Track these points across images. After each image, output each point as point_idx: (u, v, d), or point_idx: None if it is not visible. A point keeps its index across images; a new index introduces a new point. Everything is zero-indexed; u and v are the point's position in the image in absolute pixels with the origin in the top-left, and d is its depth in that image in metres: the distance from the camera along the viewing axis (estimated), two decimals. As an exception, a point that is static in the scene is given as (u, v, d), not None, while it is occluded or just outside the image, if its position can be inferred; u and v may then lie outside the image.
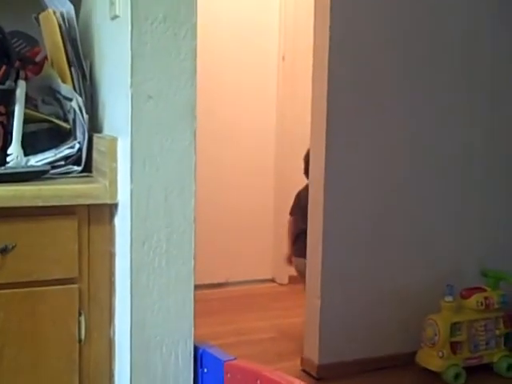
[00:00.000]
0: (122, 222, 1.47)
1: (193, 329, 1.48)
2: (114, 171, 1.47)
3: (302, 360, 3.26)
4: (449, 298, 3.12)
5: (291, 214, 3.76)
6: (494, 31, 3.40)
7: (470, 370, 3.11)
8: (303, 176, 3.60)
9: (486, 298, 3.16)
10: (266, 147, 4.62)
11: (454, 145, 3.39)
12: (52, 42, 1.68)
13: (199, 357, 1.47)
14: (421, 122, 3.29)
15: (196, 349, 1.48)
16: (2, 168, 1.51)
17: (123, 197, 1.46)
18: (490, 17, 3.38)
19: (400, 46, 3.20)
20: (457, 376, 3.06)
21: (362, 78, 3.14)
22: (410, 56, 3.23)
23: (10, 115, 1.58)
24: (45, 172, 1.53)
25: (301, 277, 3.61)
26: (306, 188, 3.62)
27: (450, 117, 3.36)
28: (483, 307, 3.15)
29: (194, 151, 1.44)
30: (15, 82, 1.59)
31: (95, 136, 1.60)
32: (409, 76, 3.23)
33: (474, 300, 3.15)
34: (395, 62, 3.20)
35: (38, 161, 1.60)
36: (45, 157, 1.61)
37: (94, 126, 1.65)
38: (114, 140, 1.47)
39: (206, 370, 1.46)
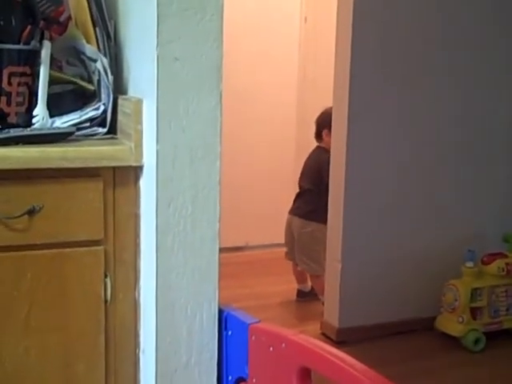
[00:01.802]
0: (147, 184, 1.47)
1: (217, 291, 1.48)
2: (140, 133, 1.46)
3: (322, 324, 3.28)
4: (470, 264, 3.12)
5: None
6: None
7: (490, 336, 3.12)
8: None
9: (507, 264, 3.15)
10: (287, 110, 4.60)
11: (479, 111, 3.35)
12: (76, 1, 1.66)
13: (223, 319, 1.48)
14: (445, 90, 3.25)
15: (220, 311, 1.49)
16: (28, 129, 1.51)
17: (148, 159, 1.45)
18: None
19: (428, 13, 3.15)
20: (477, 341, 3.07)
21: (387, 42, 3.09)
22: (438, 20, 3.17)
23: (35, 76, 1.57)
24: (70, 134, 1.53)
25: (287, 234, 3.65)
26: (314, 151, 3.63)
27: (475, 90, 3.31)
28: (504, 273, 3.15)
29: (220, 112, 1.42)
30: (40, 42, 1.58)
31: (120, 98, 1.59)
32: (434, 41, 3.18)
33: (495, 266, 3.14)
34: (422, 25, 3.15)
35: (63, 122, 1.59)
36: (70, 118, 1.61)
37: (119, 88, 1.64)
38: (139, 102, 1.46)
39: (230, 333, 1.47)
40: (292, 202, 3.76)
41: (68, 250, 1.45)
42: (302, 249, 3.60)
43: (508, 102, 3.41)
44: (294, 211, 3.66)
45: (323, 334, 3.24)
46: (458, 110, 3.29)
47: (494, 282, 3.15)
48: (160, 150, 1.39)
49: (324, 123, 3.55)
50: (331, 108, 3.50)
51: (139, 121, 1.45)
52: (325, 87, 3.78)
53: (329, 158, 3.29)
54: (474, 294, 3.10)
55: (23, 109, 1.56)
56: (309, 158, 3.74)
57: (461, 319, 3.08)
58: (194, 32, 1.38)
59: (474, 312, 3.11)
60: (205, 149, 1.42)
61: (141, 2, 1.47)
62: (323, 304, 3.42)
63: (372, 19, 3.04)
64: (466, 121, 3.32)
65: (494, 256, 3.19)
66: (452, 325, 3.11)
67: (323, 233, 3.33)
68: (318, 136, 3.66)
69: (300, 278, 3.79)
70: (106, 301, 1.50)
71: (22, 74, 1.55)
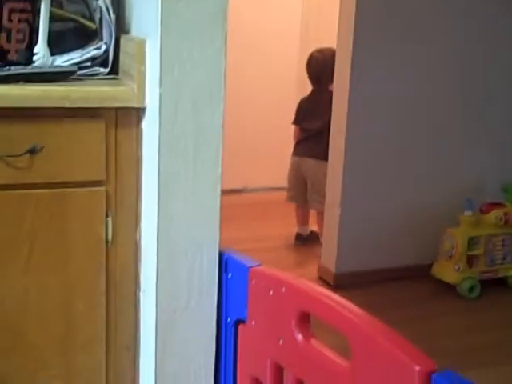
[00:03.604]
0: (149, 127, 1.46)
1: (218, 235, 1.49)
2: (143, 74, 1.43)
3: (319, 268, 3.32)
4: (468, 213, 3.13)
5: (294, 123, 3.75)
6: None
7: (485, 284, 3.15)
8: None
9: (505, 214, 3.17)
10: (289, 56, 4.54)
11: (482, 63, 3.31)
12: None
13: (224, 262, 1.49)
14: (449, 47, 3.21)
15: (221, 254, 1.49)
16: (29, 67, 1.49)
17: (151, 101, 1.43)
18: None
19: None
20: (471, 288, 3.11)
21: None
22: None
23: (35, 13, 1.54)
24: (72, 73, 1.51)
25: (294, 176, 3.66)
26: (314, 92, 3.61)
27: (478, 44, 3.27)
28: (502, 222, 3.16)
29: (224, 56, 1.40)
30: (41, -22, 1.54)
31: (123, 37, 1.56)
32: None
33: (493, 215, 3.16)
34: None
35: (64, 61, 1.57)
36: (71, 57, 1.58)
37: (121, 27, 1.61)
38: (142, 42, 1.43)
39: (230, 276, 1.48)
40: (295, 145, 3.74)
41: (69, 189, 1.45)
42: (319, 188, 3.58)
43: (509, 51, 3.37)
44: (308, 153, 3.64)
45: (320, 278, 3.27)
46: (460, 63, 3.25)
47: (492, 231, 3.17)
48: (163, 92, 1.37)
49: (324, 74, 3.54)
50: (319, 52, 3.47)
51: (142, 62, 1.43)
52: (327, 28, 3.73)
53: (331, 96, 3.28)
54: (472, 242, 3.12)
55: (23, 46, 1.53)
56: (309, 99, 3.71)
57: (457, 267, 3.11)
58: (200, -29, 1.35)
59: (471, 260, 3.14)
60: (208, 93, 1.40)
61: None
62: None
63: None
64: (468, 73, 3.28)
65: (493, 206, 3.20)
66: (448, 272, 3.14)
67: None
68: (318, 83, 3.64)
69: (302, 220, 3.81)
70: (106, 241, 1.50)
71: (23, 11, 1.52)
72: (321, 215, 3.66)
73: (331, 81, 3.37)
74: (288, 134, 3.90)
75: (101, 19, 1.60)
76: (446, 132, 3.31)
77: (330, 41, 3.38)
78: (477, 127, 3.37)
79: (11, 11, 1.49)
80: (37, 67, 1.51)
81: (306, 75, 3.75)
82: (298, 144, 3.75)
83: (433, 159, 3.31)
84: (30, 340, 1.49)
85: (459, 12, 3.17)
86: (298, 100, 3.85)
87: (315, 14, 4.51)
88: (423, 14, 3.11)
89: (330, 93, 3.42)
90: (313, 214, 3.82)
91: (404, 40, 3.11)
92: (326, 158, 3.47)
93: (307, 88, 3.80)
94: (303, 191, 3.71)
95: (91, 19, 1.66)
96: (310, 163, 3.63)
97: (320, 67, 3.60)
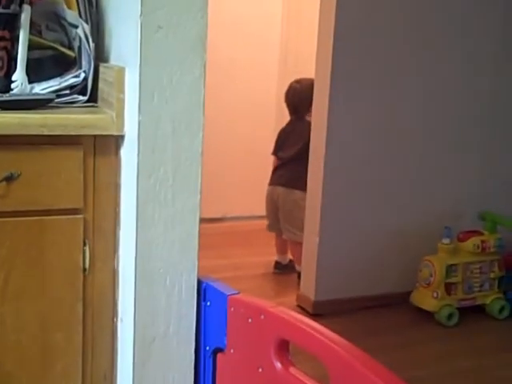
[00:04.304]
0: (128, 154, 1.46)
1: (197, 262, 1.48)
2: (122, 102, 1.44)
3: (298, 296, 3.31)
4: (446, 240, 3.15)
5: (272, 153, 3.79)
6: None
7: (463, 311, 3.17)
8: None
9: (482, 242, 3.19)
10: (269, 82, 4.58)
11: (456, 87, 3.36)
12: (58, -35, 1.63)
13: (202, 290, 1.48)
14: (424, 70, 3.26)
15: (199, 282, 1.49)
16: (7, 95, 1.49)
17: (130, 128, 1.44)
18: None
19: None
20: (450, 316, 3.12)
21: (370, 21, 3.08)
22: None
23: (14, 41, 1.54)
24: (50, 100, 1.51)
25: (269, 205, 3.68)
26: (291, 121, 3.66)
27: (454, 64, 3.33)
28: (479, 250, 3.18)
29: (204, 84, 1.41)
30: (20, 6, 1.55)
31: (101, 65, 1.57)
32: (415, 21, 3.19)
33: (470, 243, 3.18)
34: (407, 6, 3.15)
35: (42, 89, 1.57)
36: (49, 85, 1.58)
37: (100, 55, 1.62)
38: (121, 70, 1.44)
39: (208, 304, 1.47)
40: (271, 174, 3.77)
41: (47, 217, 1.44)
42: (287, 217, 3.62)
43: (486, 80, 3.42)
44: (277, 181, 3.68)
45: (299, 307, 3.26)
46: (439, 89, 3.30)
47: (469, 259, 3.19)
48: (142, 120, 1.38)
49: (301, 104, 3.59)
50: (297, 83, 3.52)
51: (121, 90, 1.44)
52: (306, 60, 3.78)
53: (309, 125, 3.32)
54: (449, 269, 3.13)
55: (2, 73, 1.53)
56: (286, 129, 3.75)
57: (435, 294, 3.12)
58: (179, 0, 1.36)
59: (449, 287, 3.15)
60: (188, 120, 1.41)
61: (124, -32, 1.45)
62: (298, 274, 3.45)
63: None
64: (445, 103, 3.33)
65: (470, 233, 3.23)
66: (427, 300, 3.15)
67: None
68: (295, 113, 3.68)
69: (281, 249, 3.82)
70: (84, 269, 1.49)
71: (1, 39, 1.52)
72: (294, 244, 3.67)
73: (309, 111, 3.41)
74: (267, 163, 3.92)
75: (80, 47, 1.61)
76: (425, 161, 3.34)
77: (309, 70, 3.41)
78: (455, 156, 3.41)
79: (-10, 39, 1.50)
80: (15, 95, 1.50)
81: (284, 106, 3.78)
82: (272, 173, 3.78)
83: (411, 188, 3.33)
84: (6, 369, 1.47)
85: (430, 56, 3.24)
86: (277, 128, 3.88)
87: (294, 45, 4.55)
88: (400, 46, 3.16)
89: (307, 122, 3.46)
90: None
91: (381, 72, 3.15)
92: (295, 186, 3.51)
93: (286, 117, 3.83)
94: (278, 220, 3.72)
95: (70, 47, 1.66)
96: (279, 191, 3.66)
97: (298, 97, 3.64)
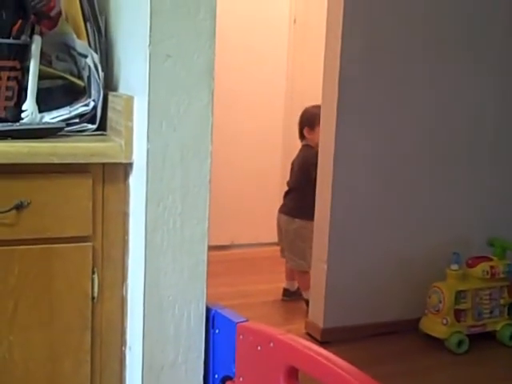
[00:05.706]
0: (136, 182, 1.47)
1: (205, 290, 1.48)
2: (130, 130, 1.45)
3: (307, 323, 3.29)
4: (455, 266, 3.14)
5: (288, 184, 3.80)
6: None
7: (473, 338, 3.14)
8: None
9: (491, 267, 3.17)
10: (275, 113, 4.61)
11: (463, 114, 3.37)
12: (67, -4, 1.66)
13: (211, 318, 1.48)
14: (432, 95, 3.27)
15: (208, 310, 1.48)
16: (17, 124, 1.50)
17: (138, 156, 1.45)
18: None
19: (416, 18, 3.16)
20: (460, 343, 3.09)
21: (375, 48, 3.11)
22: (428, 28, 3.19)
23: (24, 71, 1.56)
24: (60, 129, 1.52)
25: (278, 232, 3.68)
26: (300, 150, 3.67)
27: (461, 91, 3.34)
28: (488, 276, 3.16)
29: (212, 112, 1.42)
30: (30, 37, 1.57)
31: (110, 94, 1.58)
32: (421, 47, 3.20)
33: (479, 269, 3.16)
34: (410, 32, 3.17)
35: (52, 118, 1.58)
36: (59, 114, 1.60)
37: (109, 84, 1.63)
38: (130, 99, 1.45)
39: (217, 331, 1.47)
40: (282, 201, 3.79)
41: (56, 245, 1.45)
42: (289, 246, 3.64)
43: (495, 103, 3.43)
44: (281, 209, 3.72)
45: (308, 334, 3.24)
46: (446, 111, 3.31)
47: (479, 285, 3.17)
48: (151, 148, 1.39)
49: (304, 122, 3.63)
50: (312, 107, 3.55)
51: (130, 118, 1.45)
52: (312, 87, 3.80)
53: (313, 153, 3.33)
54: (459, 296, 3.11)
55: (12, 103, 1.55)
56: (296, 157, 3.77)
57: (445, 321, 3.10)
58: (187, 30, 1.38)
59: (458, 314, 3.13)
60: (196, 148, 1.42)
61: (133, -2, 1.47)
62: (306, 302, 3.44)
63: (362, 19, 3.05)
64: (453, 129, 3.34)
65: (479, 259, 3.21)
66: (436, 327, 3.13)
67: (308, 229, 3.37)
68: (301, 135, 3.70)
69: (289, 276, 3.81)
70: (93, 298, 1.49)
71: (12, 69, 1.54)
72: (298, 272, 3.66)
73: (312, 129, 3.47)
74: (274, 191, 3.93)
75: (89, 77, 1.63)
76: (432, 187, 3.34)
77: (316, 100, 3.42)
78: (462, 182, 3.41)
79: (0, 69, 1.51)
80: (25, 124, 1.52)
81: (291, 134, 3.80)
82: (283, 200, 3.80)
83: (419, 214, 3.33)
84: (13, 398, 1.47)
85: (436, 84, 3.26)
86: (284, 158, 3.91)
87: (299, 73, 4.58)
88: (408, 61, 3.17)
89: (309, 150, 3.49)
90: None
91: (388, 99, 3.16)
92: (296, 215, 3.52)
93: (293, 146, 3.85)
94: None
95: (80, 77, 1.68)
96: (283, 219, 3.68)
97: (300, 120, 3.67)
